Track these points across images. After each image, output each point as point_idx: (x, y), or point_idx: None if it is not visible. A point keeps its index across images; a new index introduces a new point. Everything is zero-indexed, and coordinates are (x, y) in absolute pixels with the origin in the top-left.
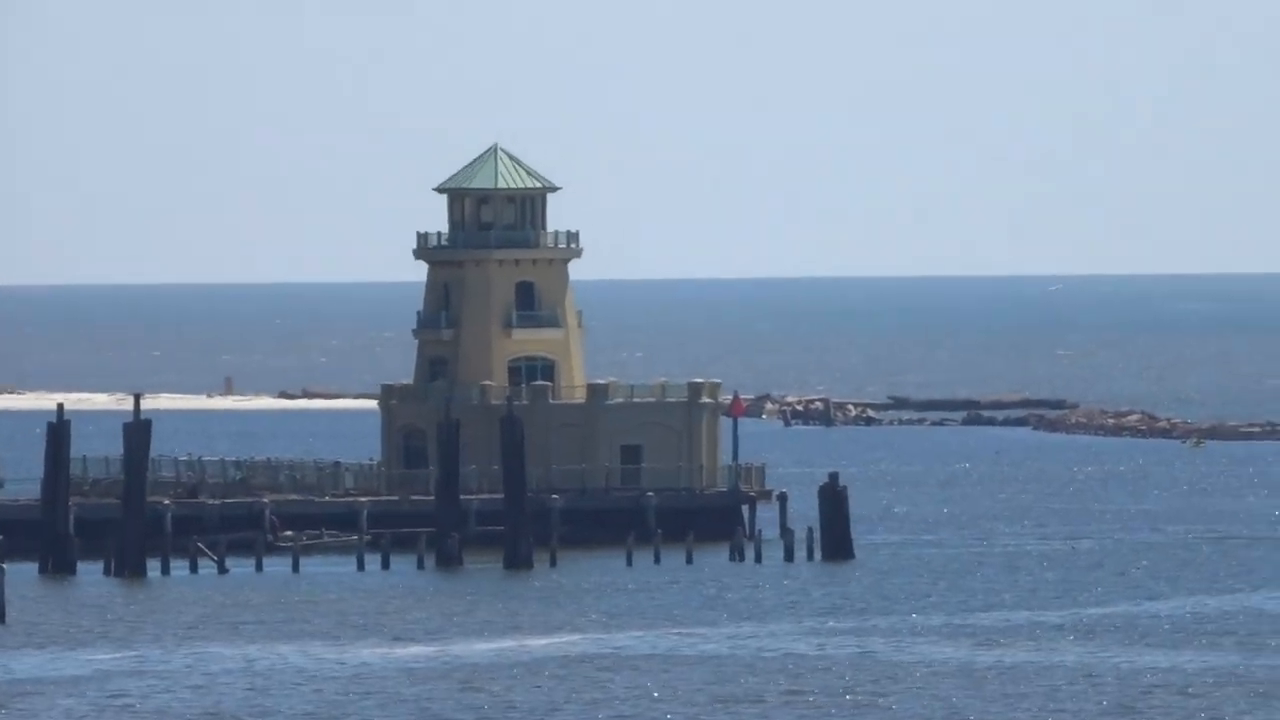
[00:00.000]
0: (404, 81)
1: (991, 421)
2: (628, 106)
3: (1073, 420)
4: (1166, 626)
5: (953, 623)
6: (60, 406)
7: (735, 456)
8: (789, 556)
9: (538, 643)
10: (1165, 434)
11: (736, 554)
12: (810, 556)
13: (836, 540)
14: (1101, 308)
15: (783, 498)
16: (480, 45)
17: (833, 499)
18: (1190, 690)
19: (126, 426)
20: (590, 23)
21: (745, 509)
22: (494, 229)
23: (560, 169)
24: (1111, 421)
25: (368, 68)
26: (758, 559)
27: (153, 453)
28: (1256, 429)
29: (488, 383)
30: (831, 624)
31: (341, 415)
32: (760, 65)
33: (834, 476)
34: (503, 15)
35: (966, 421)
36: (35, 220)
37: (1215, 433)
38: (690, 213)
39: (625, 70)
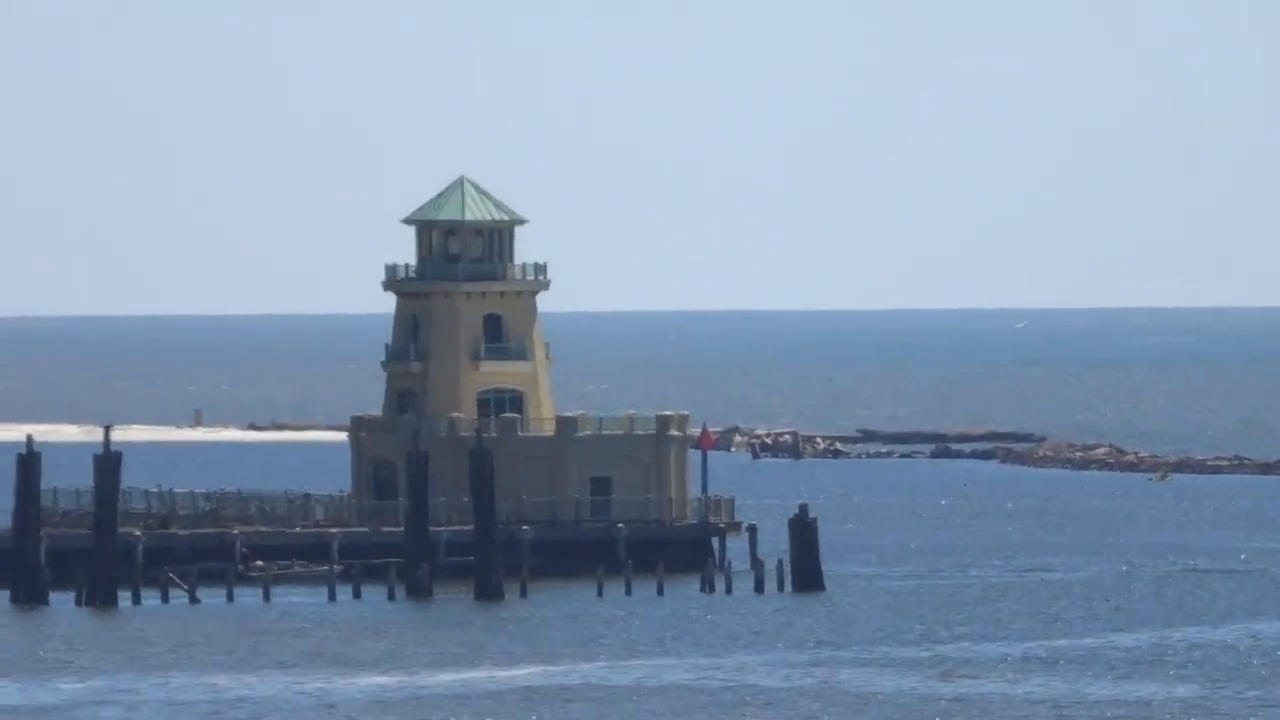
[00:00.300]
0: (370, 112)
1: (959, 454)
2: (595, 140)
3: (1040, 454)
4: (1133, 658)
5: (921, 654)
6: (29, 438)
7: (705, 489)
8: (759, 588)
9: (506, 674)
10: (1132, 468)
11: (707, 585)
12: (780, 588)
13: (807, 572)
14: (1067, 341)
15: (752, 530)
16: (448, 78)
17: (802, 531)
18: None
19: (97, 458)
20: (558, 57)
21: (715, 541)
22: (462, 261)
23: (528, 202)
24: (1079, 455)
25: (334, 98)
26: (728, 590)
27: (123, 484)
28: (1224, 463)
29: (456, 415)
30: (800, 655)
31: (311, 447)
32: (726, 98)
33: (804, 508)
34: (471, 49)
35: (935, 454)
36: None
37: (1182, 466)
38: (656, 246)
39: (592, 103)
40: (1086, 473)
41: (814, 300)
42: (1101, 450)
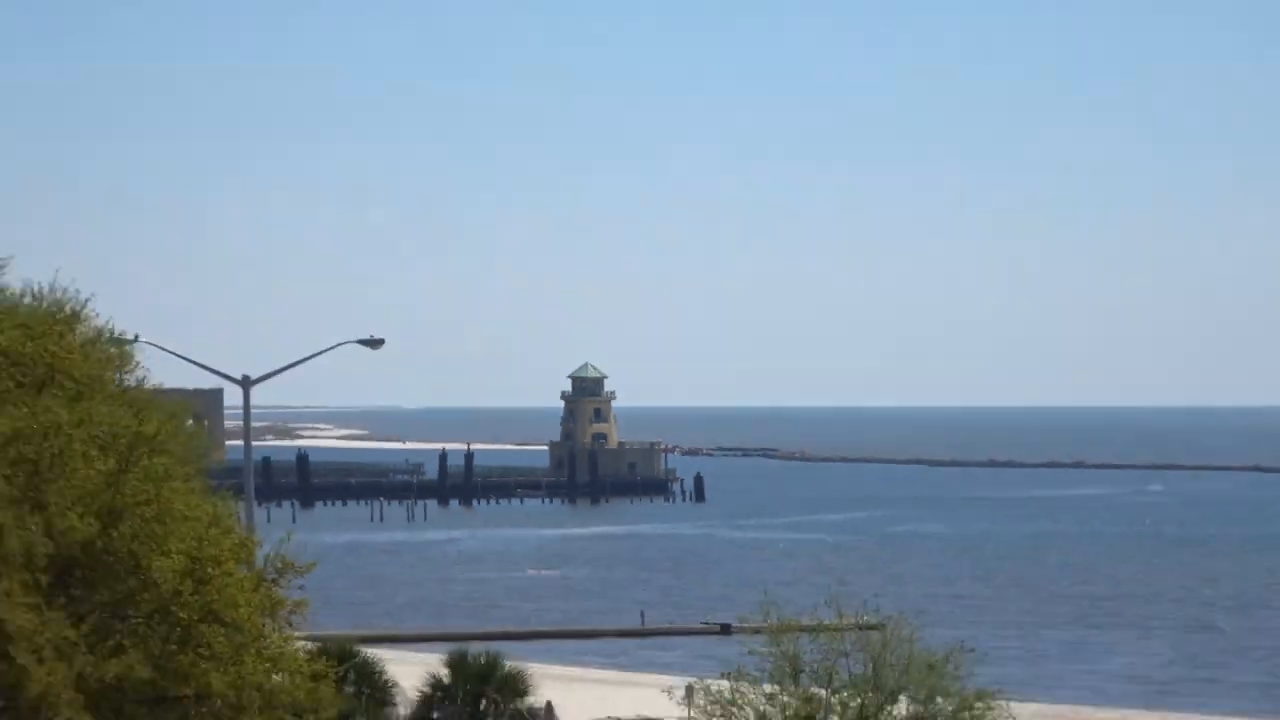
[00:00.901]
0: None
1: (769, 457)
2: (643, 329)
3: (787, 453)
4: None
5: (751, 522)
6: (444, 451)
7: (666, 465)
8: (684, 499)
9: (599, 529)
10: (808, 459)
11: (665, 500)
12: (690, 501)
13: (700, 495)
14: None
15: (681, 481)
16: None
17: (699, 483)
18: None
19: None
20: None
21: (671, 484)
22: (586, 390)
23: (609, 361)
24: (799, 455)
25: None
26: (671, 500)
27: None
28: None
29: (585, 441)
30: (698, 524)
31: (535, 451)
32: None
33: (699, 475)
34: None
35: (744, 455)
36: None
37: (828, 459)
38: (661, 378)
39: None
40: (818, 463)
41: (726, 400)
42: (800, 451)
